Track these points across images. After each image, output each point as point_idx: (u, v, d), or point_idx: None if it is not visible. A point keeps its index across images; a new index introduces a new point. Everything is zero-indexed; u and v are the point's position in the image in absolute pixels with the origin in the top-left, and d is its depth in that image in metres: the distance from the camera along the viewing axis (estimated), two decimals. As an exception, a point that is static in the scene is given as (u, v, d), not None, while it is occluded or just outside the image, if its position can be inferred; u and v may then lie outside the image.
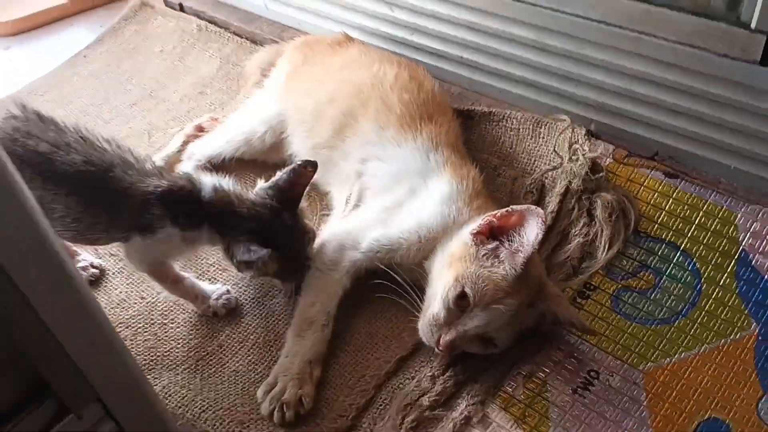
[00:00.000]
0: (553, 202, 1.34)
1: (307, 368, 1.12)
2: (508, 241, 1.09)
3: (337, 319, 1.19)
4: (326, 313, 1.17)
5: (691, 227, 1.28)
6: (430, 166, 1.25)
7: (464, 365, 1.15)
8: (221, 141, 1.47)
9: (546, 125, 1.43)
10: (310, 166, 1.16)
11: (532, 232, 1.06)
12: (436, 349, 1.11)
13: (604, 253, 1.28)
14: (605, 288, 1.26)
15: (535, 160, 1.42)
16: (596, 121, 1.41)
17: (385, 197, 1.27)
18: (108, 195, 1.09)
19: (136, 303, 1.30)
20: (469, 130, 1.50)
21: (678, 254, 1.27)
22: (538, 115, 1.45)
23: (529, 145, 1.44)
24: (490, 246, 1.10)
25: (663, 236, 1.29)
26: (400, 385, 1.14)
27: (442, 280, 1.10)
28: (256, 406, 1.11)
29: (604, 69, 1.33)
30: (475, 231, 1.11)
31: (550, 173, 1.38)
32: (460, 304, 1.07)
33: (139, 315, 1.27)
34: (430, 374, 1.14)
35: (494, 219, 1.11)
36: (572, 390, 1.14)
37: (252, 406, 1.11)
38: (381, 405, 1.12)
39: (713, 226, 1.27)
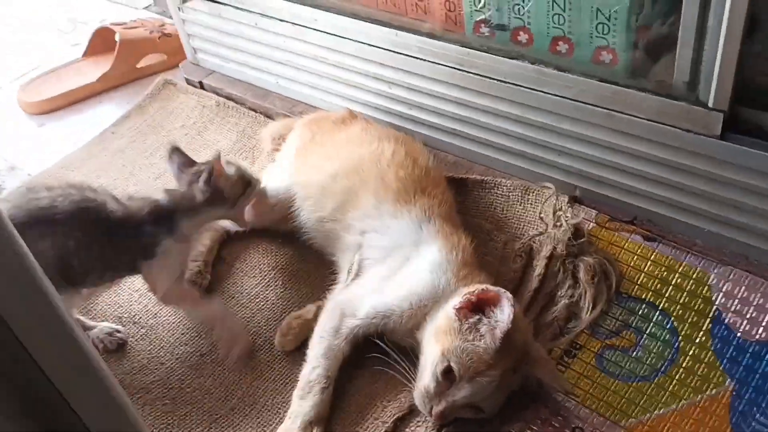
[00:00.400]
0: (540, 265, 1.43)
1: (308, 429, 1.22)
2: (486, 317, 1.19)
3: (338, 382, 1.30)
4: (327, 377, 1.28)
5: (668, 288, 1.37)
6: (423, 236, 1.36)
7: (456, 424, 1.24)
8: None
9: (533, 192, 1.54)
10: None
11: (504, 312, 1.16)
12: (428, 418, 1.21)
13: (588, 314, 1.37)
14: (590, 347, 1.35)
15: (524, 226, 1.52)
16: (580, 188, 1.51)
17: (382, 267, 1.37)
18: (107, 229, 1.29)
19: (156, 369, 1.42)
20: (464, 196, 1.61)
21: (657, 313, 1.35)
22: (527, 183, 1.55)
23: (518, 211, 1.54)
24: (471, 320, 1.19)
25: (643, 296, 1.38)
26: (398, 445, 1.23)
27: (431, 354, 1.20)
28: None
29: (582, 141, 1.43)
30: (457, 306, 1.20)
31: (537, 238, 1.48)
32: (448, 377, 1.16)
33: (159, 380, 1.39)
34: (425, 433, 1.23)
35: (472, 297, 1.20)
36: (558, 447, 1.22)
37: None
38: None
39: (688, 287, 1.36)
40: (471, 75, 1.51)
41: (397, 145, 1.49)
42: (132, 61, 2.32)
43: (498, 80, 1.47)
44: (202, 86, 2.14)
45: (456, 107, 1.59)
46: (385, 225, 1.39)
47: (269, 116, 1.97)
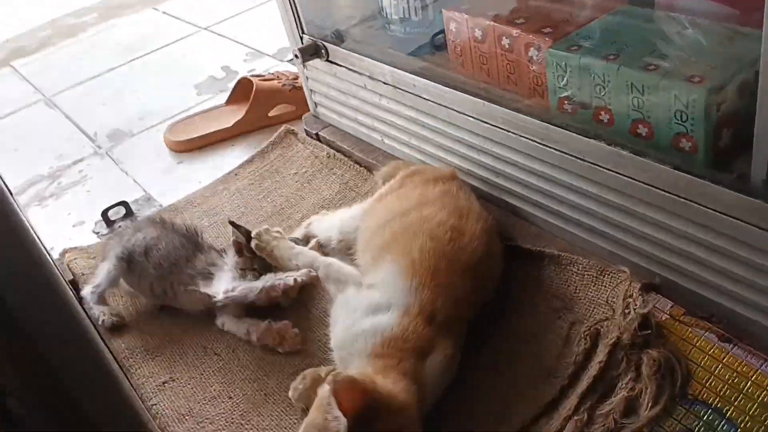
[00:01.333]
0: (602, 352, 1.38)
1: None
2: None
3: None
4: None
5: (739, 396, 1.26)
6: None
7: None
8: (320, 231, 1.79)
9: (609, 274, 1.48)
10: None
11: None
12: None
13: (648, 411, 1.29)
14: (645, 447, 1.27)
15: (593, 308, 1.47)
16: (660, 276, 1.44)
17: None
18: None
19: (223, 401, 1.53)
20: (539, 270, 1.58)
21: (723, 422, 1.25)
22: (603, 264, 1.50)
23: (590, 293, 1.49)
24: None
25: (710, 401, 1.28)
26: None
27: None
28: None
29: (660, 228, 1.37)
30: (329, 388, 1.14)
31: (604, 323, 1.42)
32: None
33: (224, 413, 1.50)
34: None
35: (333, 384, 1.14)
36: None
37: None
38: None
39: (761, 398, 1.24)
40: (551, 150, 1.49)
41: (450, 216, 1.47)
42: (264, 110, 2.52)
43: (575, 157, 1.45)
44: (318, 138, 2.28)
45: (537, 179, 1.58)
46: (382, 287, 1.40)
47: (371, 170, 2.06)
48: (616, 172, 1.38)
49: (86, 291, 1.78)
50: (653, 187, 1.33)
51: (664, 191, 1.31)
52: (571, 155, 1.46)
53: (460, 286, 1.40)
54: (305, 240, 1.81)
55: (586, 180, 1.46)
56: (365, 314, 1.35)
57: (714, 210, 1.25)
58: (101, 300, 1.79)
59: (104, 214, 2.24)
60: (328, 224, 1.79)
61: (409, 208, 1.55)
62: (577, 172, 1.47)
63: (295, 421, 1.45)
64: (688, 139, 1.29)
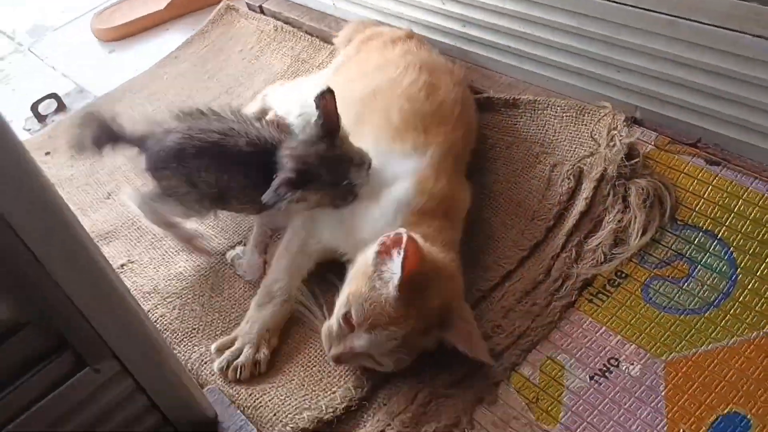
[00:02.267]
0: (588, 188, 1.33)
1: (264, 336, 1.22)
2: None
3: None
4: (288, 291, 1.26)
5: (730, 215, 1.23)
6: (402, 172, 1.24)
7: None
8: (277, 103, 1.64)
9: (589, 112, 1.42)
10: (328, 94, 1.19)
11: (394, 261, 1.05)
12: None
13: (637, 240, 1.26)
14: (636, 276, 1.24)
15: (575, 148, 1.41)
16: (641, 108, 1.38)
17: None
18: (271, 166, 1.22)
19: (190, 276, 1.42)
20: (515, 119, 1.51)
21: (715, 243, 1.23)
22: (583, 103, 1.44)
23: (571, 133, 1.43)
24: (382, 267, 1.08)
25: (700, 224, 1.25)
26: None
27: (342, 294, 1.12)
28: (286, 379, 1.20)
29: (642, 54, 1.30)
30: (377, 250, 1.09)
31: (587, 159, 1.37)
32: (348, 322, 1.08)
33: (191, 287, 1.40)
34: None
35: (387, 240, 1.08)
36: (589, 377, 1.14)
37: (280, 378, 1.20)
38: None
39: (753, 215, 1.22)
40: (524, -17, 1.40)
41: (421, 74, 1.37)
42: (199, -12, 2.32)
43: (552, -13, 1.35)
44: (262, 10, 2.12)
45: (511, 21, 1.48)
46: (379, 164, 1.27)
47: (325, 40, 1.92)
48: (597, -5, 1.30)
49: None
50: (638, 7, 1.25)
51: (649, 10, 1.23)
52: (546, -15, 1.36)
53: (451, 138, 1.31)
54: (262, 113, 1.68)
55: (565, 13, 1.37)
56: (382, 198, 1.23)
57: (702, 23, 1.18)
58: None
59: (34, 108, 2.05)
60: (285, 96, 1.66)
61: (373, 73, 1.44)
62: (555, 4, 1.38)
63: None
64: (673, -53, 1.20)
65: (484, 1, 1.51)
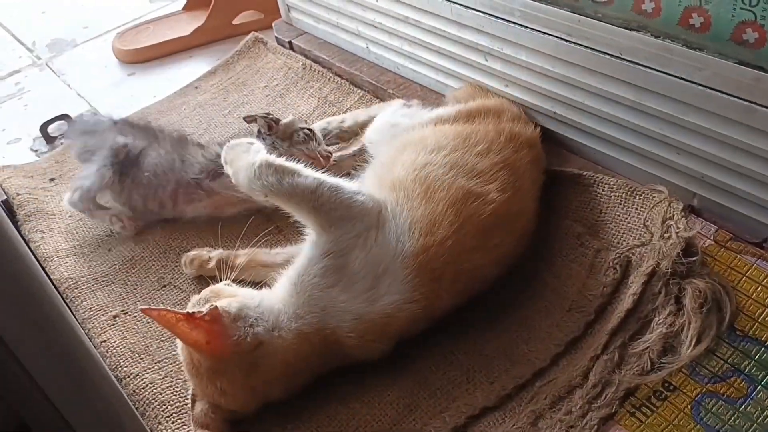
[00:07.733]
0: (636, 282, 1.19)
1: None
2: None
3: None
4: None
5: (799, 332, 1.09)
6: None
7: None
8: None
9: (641, 195, 1.28)
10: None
11: None
12: None
13: (690, 350, 1.11)
14: (686, 390, 1.09)
15: (623, 233, 1.27)
16: (699, 196, 1.25)
17: None
18: None
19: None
20: (556, 192, 1.38)
21: (780, 362, 1.08)
22: (634, 183, 1.30)
23: (619, 216, 1.29)
24: None
25: (763, 338, 1.10)
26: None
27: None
28: None
29: (708, 138, 1.17)
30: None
31: (638, 249, 1.23)
32: None
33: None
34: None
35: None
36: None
37: None
38: None
39: (826, 334, 1.07)
40: (580, 48, 1.27)
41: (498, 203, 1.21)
42: (227, 17, 2.24)
43: (612, 56, 1.23)
44: (291, 47, 2.01)
45: (559, 87, 1.36)
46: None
47: (355, 84, 1.81)
48: (663, 72, 1.17)
49: (69, 198, 1.51)
50: (710, 88, 1.12)
51: (723, 93, 1.10)
52: (606, 53, 1.23)
53: None
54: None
55: (620, 83, 1.25)
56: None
57: (783, 114, 1.05)
58: (95, 205, 1.52)
59: (44, 128, 1.95)
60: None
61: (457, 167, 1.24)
62: (609, 74, 1.25)
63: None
64: (755, 28, 1.07)
65: (528, 61, 1.39)
